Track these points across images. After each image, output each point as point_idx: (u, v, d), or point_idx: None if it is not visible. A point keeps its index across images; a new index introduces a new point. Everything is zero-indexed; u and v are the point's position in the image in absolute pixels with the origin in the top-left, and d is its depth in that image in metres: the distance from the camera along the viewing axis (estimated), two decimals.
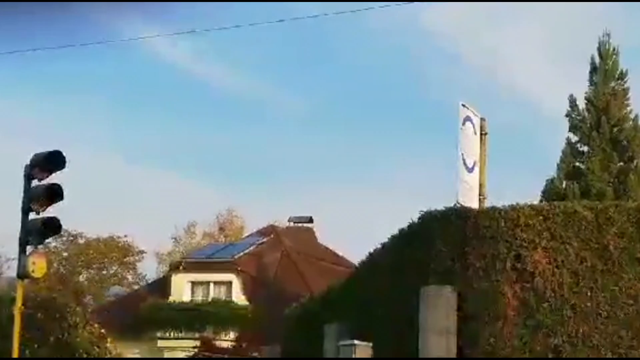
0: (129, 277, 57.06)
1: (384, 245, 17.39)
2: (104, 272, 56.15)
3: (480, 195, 16.60)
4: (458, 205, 15.50)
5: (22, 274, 15.07)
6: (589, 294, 14.20)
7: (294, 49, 78.65)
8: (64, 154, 15.08)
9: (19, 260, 15.10)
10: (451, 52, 76.57)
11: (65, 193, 15.01)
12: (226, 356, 32.05)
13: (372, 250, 18.03)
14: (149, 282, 49.23)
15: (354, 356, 15.74)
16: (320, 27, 79.49)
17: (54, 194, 14.99)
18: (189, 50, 80.00)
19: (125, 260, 56.30)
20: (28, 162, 15.02)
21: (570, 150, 26.79)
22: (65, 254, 53.87)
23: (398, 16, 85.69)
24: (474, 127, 16.65)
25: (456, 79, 73.33)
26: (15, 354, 15.27)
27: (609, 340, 14.04)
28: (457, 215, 15.13)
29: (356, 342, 15.86)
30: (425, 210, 15.72)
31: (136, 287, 52.48)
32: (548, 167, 26.89)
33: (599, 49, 26.82)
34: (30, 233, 15.00)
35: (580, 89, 27.14)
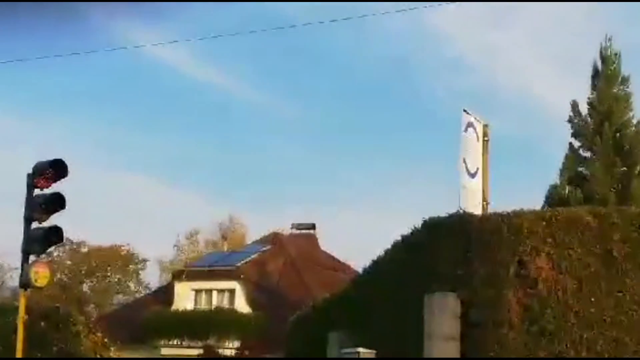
0: (132, 285, 57.04)
1: (387, 252, 17.36)
2: (107, 280, 56.10)
3: (483, 201, 16.57)
4: (461, 211, 15.47)
5: (25, 284, 15.05)
6: (592, 299, 14.18)
7: (296, 55, 78.68)
8: (66, 162, 15.08)
9: (22, 269, 15.09)
10: (452, 58, 76.57)
11: (67, 202, 15.01)
12: None
13: (375, 257, 18.00)
14: (152, 290, 49.20)
15: None
16: (321, 34, 79.58)
17: (56, 202, 14.98)
18: (191, 57, 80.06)
19: (127, 268, 56.28)
20: (30, 171, 15.01)
21: (573, 156, 26.68)
22: (68, 263, 53.86)
23: (399, 22, 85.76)
24: (476, 133, 16.62)
25: (458, 85, 73.32)
26: None
27: (613, 346, 14.01)
28: (460, 222, 15.12)
29: (360, 349, 15.83)
30: (428, 217, 15.73)
31: (139, 295, 52.44)
32: (551, 172, 26.83)
33: (600, 53, 26.75)
34: (33, 242, 14.98)
35: (583, 94, 27.07)
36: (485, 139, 16.88)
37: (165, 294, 40.11)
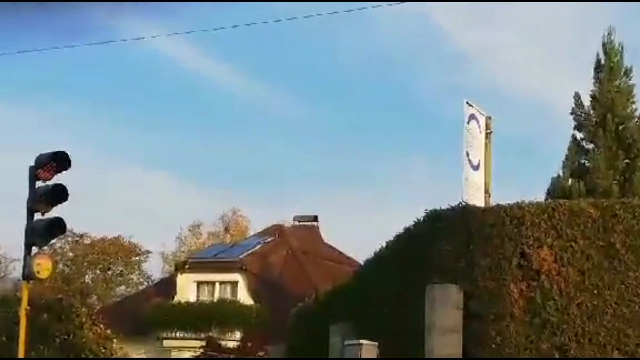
0: (134, 277, 57.09)
1: (389, 244, 17.35)
2: (109, 272, 56.16)
3: (485, 193, 16.56)
4: (463, 203, 15.46)
5: (27, 275, 15.06)
6: (595, 292, 14.18)
7: (297, 50, 78.65)
8: (68, 154, 15.08)
9: (24, 261, 15.10)
10: (455, 50, 76.51)
11: (69, 194, 15.01)
12: (232, 356, 32.05)
13: (377, 249, 18.00)
14: (155, 282, 49.26)
15: (359, 355, 15.71)
16: (322, 28, 79.45)
17: (59, 194, 14.99)
18: (193, 51, 80.00)
19: (130, 260, 56.31)
20: (33, 163, 15.01)
21: (576, 148, 26.69)
22: (70, 255, 53.90)
23: (400, 16, 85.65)
24: (479, 125, 16.61)
25: (461, 77, 73.27)
26: (21, 355, 15.27)
27: (616, 339, 14.02)
28: (462, 214, 15.10)
29: (362, 341, 15.83)
30: (430, 208, 15.72)
31: (142, 287, 52.51)
32: (553, 165, 26.84)
33: (603, 46, 26.73)
34: (35, 234, 14.99)
35: (586, 86, 27.06)
36: (488, 131, 16.87)
37: (167, 285, 40.16)
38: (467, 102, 16.47)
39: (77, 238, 53.22)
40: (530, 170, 60.68)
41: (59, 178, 15.09)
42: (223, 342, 34.87)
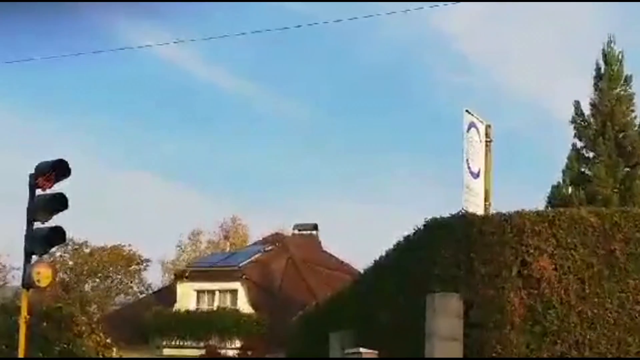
0: (134, 286, 56.95)
1: (389, 252, 17.36)
2: (109, 281, 56.07)
3: (485, 201, 16.56)
4: (463, 211, 15.46)
5: (27, 284, 15.04)
6: (595, 300, 14.18)
7: (297, 54, 78.66)
8: (68, 162, 15.08)
9: (24, 269, 15.08)
10: (456, 57, 76.56)
11: (69, 202, 15.00)
12: None
13: (377, 257, 18.00)
14: (154, 290, 49.19)
15: None
16: (324, 34, 79.51)
17: (59, 203, 14.97)
18: (193, 57, 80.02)
19: (130, 268, 56.20)
20: (32, 172, 15.00)
21: (576, 156, 26.73)
22: (70, 263, 53.82)
23: (401, 22, 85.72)
24: (479, 133, 16.63)
25: (461, 85, 73.30)
26: None
27: (616, 347, 14.01)
28: (462, 222, 15.10)
29: (362, 349, 15.82)
30: (430, 217, 15.73)
31: (141, 295, 52.42)
32: (554, 173, 26.86)
33: (603, 54, 26.77)
34: (35, 242, 14.97)
35: (586, 95, 27.09)
36: (488, 139, 16.88)
37: (167, 294, 40.09)
38: (467, 111, 16.50)
39: (77, 247, 53.15)
40: (531, 176, 60.62)
41: (59, 186, 15.09)
42: (222, 351, 34.85)
